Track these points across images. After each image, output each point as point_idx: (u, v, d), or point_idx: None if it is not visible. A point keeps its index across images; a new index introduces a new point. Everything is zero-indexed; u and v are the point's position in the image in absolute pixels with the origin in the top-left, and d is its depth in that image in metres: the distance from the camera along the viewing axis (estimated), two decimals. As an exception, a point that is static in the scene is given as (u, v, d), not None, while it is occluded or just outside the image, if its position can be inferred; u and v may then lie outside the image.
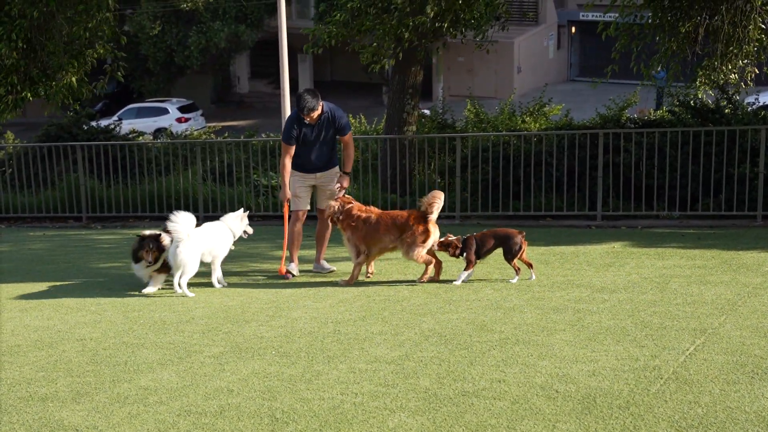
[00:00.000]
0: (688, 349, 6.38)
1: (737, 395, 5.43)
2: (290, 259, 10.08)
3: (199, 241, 9.21)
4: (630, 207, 13.79)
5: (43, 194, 16.66)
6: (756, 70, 13.91)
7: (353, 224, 9.32)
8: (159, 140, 23.38)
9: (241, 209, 9.79)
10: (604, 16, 13.62)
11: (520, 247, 8.99)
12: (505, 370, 6.09)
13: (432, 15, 13.71)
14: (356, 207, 9.43)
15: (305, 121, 9.67)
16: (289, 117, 9.90)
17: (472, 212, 14.33)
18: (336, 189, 9.87)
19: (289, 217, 10.09)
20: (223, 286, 9.51)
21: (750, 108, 14.58)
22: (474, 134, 15.47)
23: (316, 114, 9.62)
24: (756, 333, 6.74)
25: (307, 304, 8.54)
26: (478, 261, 9.17)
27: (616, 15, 13.29)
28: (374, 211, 9.42)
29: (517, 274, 9.05)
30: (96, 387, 6.13)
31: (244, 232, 9.77)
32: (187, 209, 15.19)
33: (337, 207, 9.44)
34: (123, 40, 15.59)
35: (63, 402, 5.86)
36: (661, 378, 5.79)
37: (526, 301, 8.18)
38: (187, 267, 9.11)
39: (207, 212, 14.97)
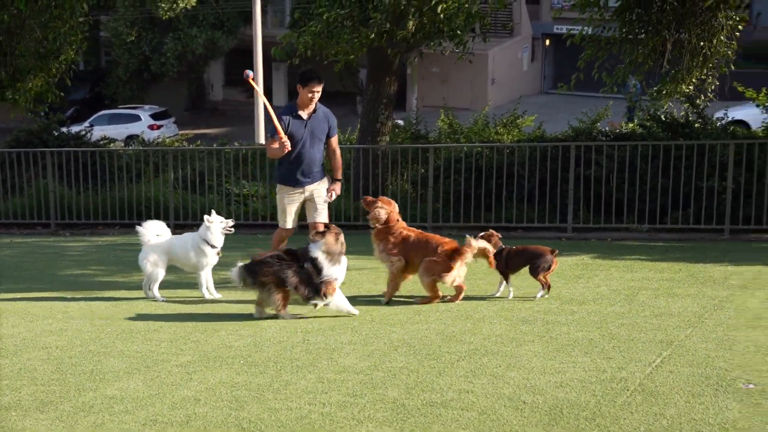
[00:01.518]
0: (654, 361, 6.41)
1: (702, 407, 5.47)
2: None
3: (164, 248, 9.17)
4: (600, 219, 13.87)
5: (11, 200, 16.53)
6: (717, 82, 14.09)
7: (392, 238, 8.78)
8: (130, 147, 23.27)
9: (206, 216, 9.30)
10: (572, 29, 13.79)
11: (550, 265, 8.77)
12: (474, 380, 6.10)
13: (413, 29, 13.73)
14: (401, 225, 8.91)
15: (301, 110, 9.08)
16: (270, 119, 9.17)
17: (444, 223, 14.36)
18: (327, 198, 9.36)
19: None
20: (214, 297, 9.31)
21: (719, 123, 14.71)
22: (447, 145, 15.52)
23: (319, 88, 9.03)
24: (721, 346, 6.79)
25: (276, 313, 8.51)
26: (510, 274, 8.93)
27: (588, 27, 13.46)
28: (414, 232, 8.91)
29: (543, 288, 8.79)
30: (61, 396, 6.08)
31: (224, 229, 9.22)
32: (157, 217, 15.16)
33: (383, 216, 8.83)
34: (84, 45, 15.50)
35: (26, 411, 5.80)
36: (628, 390, 5.81)
37: (496, 312, 8.20)
38: (147, 273, 9.18)
39: (178, 220, 14.92)
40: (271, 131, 9.16)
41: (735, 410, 5.41)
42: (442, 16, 14.01)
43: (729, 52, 13.66)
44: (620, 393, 5.76)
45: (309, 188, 9.32)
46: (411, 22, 13.56)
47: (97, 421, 5.57)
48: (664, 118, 14.73)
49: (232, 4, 40.72)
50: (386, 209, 8.84)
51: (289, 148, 9.03)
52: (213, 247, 9.19)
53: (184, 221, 14.94)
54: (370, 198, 9.06)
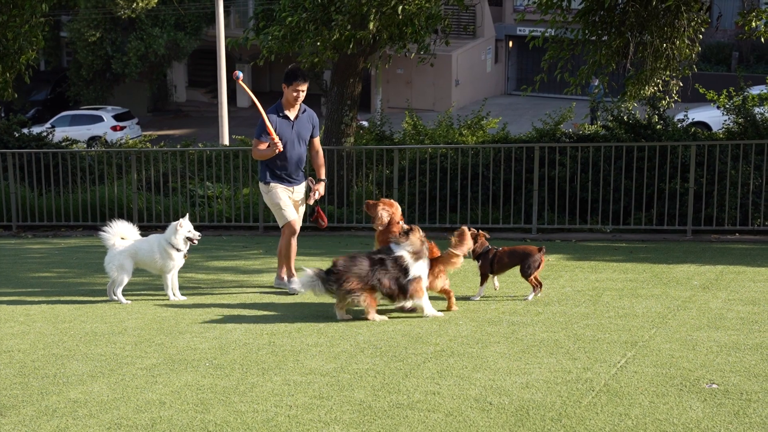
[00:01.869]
0: (619, 362, 6.46)
1: (666, 407, 5.51)
2: (289, 275, 9.49)
3: (129, 253, 9.11)
4: (564, 220, 13.96)
5: (-28, 202, 16.33)
6: (681, 84, 14.25)
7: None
8: (93, 148, 23.08)
9: (180, 220, 9.19)
10: (535, 32, 13.89)
11: (539, 264, 8.75)
12: (440, 382, 6.11)
13: (374, 30, 13.75)
14: (400, 228, 8.72)
15: (287, 110, 9.07)
16: (260, 119, 9.10)
17: (410, 224, 14.33)
18: (310, 198, 9.34)
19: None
20: (178, 299, 9.23)
21: (680, 124, 14.86)
22: (412, 146, 15.54)
23: (304, 87, 9.03)
24: (685, 346, 6.86)
25: (242, 315, 8.47)
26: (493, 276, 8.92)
27: (551, 29, 13.58)
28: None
29: (534, 290, 8.80)
30: (23, 400, 6.01)
31: (188, 239, 9.13)
32: (121, 219, 15.06)
33: (386, 219, 8.77)
34: (41, 44, 15.36)
35: (-11, 415, 5.73)
36: (593, 390, 5.85)
37: (461, 313, 8.22)
38: (113, 275, 9.13)
39: (142, 222, 14.80)
40: (258, 132, 9.11)
41: (699, 410, 5.46)
42: (401, 17, 14.04)
43: (692, 54, 13.82)
44: (585, 393, 5.79)
45: (294, 188, 9.37)
46: (372, 23, 13.58)
47: (61, 425, 5.51)
48: (626, 120, 14.85)
49: (195, 5, 40.54)
50: (389, 211, 8.81)
51: (281, 149, 9.02)
52: (178, 250, 9.13)
53: (148, 223, 14.85)
54: (371, 201, 9.01)
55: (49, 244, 14.26)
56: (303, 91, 9.07)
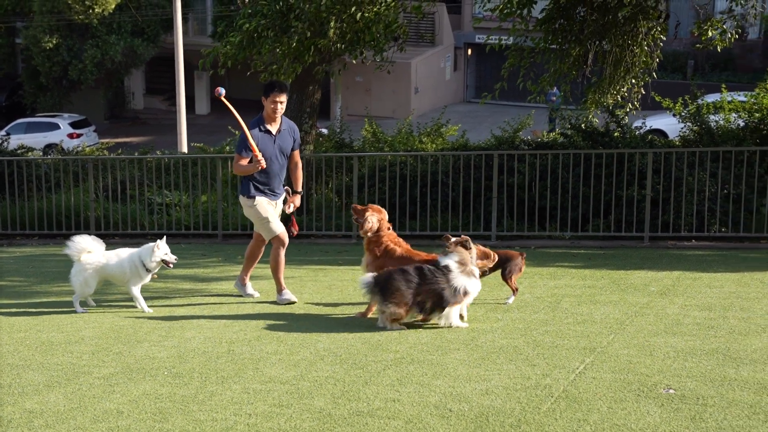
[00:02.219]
0: (578, 368, 6.50)
1: (624, 413, 5.56)
2: (279, 288, 9.37)
3: (96, 268, 9.00)
4: (523, 227, 14.02)
5: (-76, 211, 16.07)
6: (642, 91, 14.40)
7: (378, 251, 8.53)
8: (49, 156, 22.82)
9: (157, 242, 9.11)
10: (491, 38, 13.98)
11: (520, 269, 8.88)
12: (400, 389, 6.11)
13: (334, 38, 13.74)
14: (390, 237, 8.68)
15: (269, 124, 8.98)
16: (242, 132, 8.97)
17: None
18: (286, 208, 9.30)
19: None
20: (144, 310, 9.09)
21: (637, 132, 15.00)
22: (371, 154, 15.54)
23: (282, 97, 8.91)
24: (642, 351, 6.92)
25: (200, 323, 8.42)
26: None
27: (508, 37, 13.67)
28: (402, 246, 8.61)
29: (513, 294, 8.89)
30: (-22, 411, 5.93)
31: (164, 262, 9.02)
32: (78, 228, 14.91)
33: (375, 225, 8.57)
34: None
35: (-57, 427, 5.65)
36: (552, 396, 5.88)
37: (419, 322, 8.22)
38: (77, 289, 9.04)
39: (99, 230, 14.66)
40: (239, 148, 8.98)
41: (656, 415, 5.51)
42: (361, 24, 14.05)
43: (654, 63, 13.97)
44: (545, 400, 5.82)
45: (276, 202, 9.26)
46: (331, 30, 13.58)
47: (16, 437, 5.44)
48: (584, 127, 14.96)
49: (153, 12, 40.29)
50: (377, 217, 8.60)
51: (264, 166, 8.92)
52: (148, 271, 9.02)
53: (106, 231, 14.71)
54: (359, 206, 8.82)
55: (4, 253, 14.07)
56: (282, 102, 8.96)
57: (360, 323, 8.20)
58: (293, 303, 9.19)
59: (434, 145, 17.09)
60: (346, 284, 9.97)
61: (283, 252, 9.29)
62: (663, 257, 11.91)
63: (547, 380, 6.22)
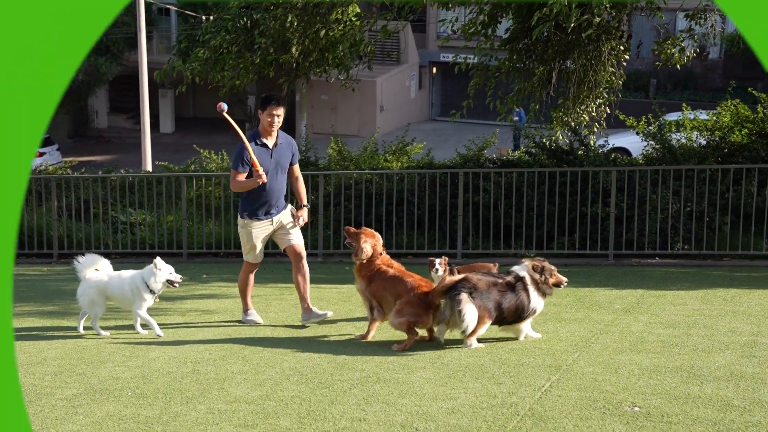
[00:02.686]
0: (543, 386, 6.52)
1: (590, 430, 5.57)
2: (245, 308, 9.31)
3: (99, 288, 8.84)
4: (489, 245, 14.07)
5: None
6: (608, 110, 14.53)
7: (369, 275, 8.34)
8: (12, 174, 22.53)
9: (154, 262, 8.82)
10: (458, 57, 14.05)
11: None
12: (366, 408, 6.09)
13: (297, 54, 13.76)
14: (383, 260, 8.37)
15: (265, 138, 8.85)
16: (239, 146, 8.82)
17: (335, 250, 14.37)
18: (293, 222, 9.09)
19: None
20: (141, 332, 8.90)
21: (601, 150, 15.12)
22: (337, 172, 15.53)
23: (279, 111, 8.77)
24: (607, 369, 6.95)
25: (165, 343, 8.35)
26: None
27: (473, 56, 13.75)
28: (395, 267, 8.36)
29: None
30: (-62, 434, 5.83)
31: (169, 281, 8.76)
32: (41, 247, 14.74)
33: (369, 252, 8.31)
34: None
35: None
36: (518, 414, 5.89)
37: (388, 338, 8.21)
38: (85, 309, 8.88)
39: (62, 249, 14.53)
40: (236, 162, 8.84)
41: (622, 432, 5.53)
42: (325, 41, 14.08)
43: (618, 82, 14.12)
44: (511, 418, 5.83)
45: (276, 218, 9.06)
46: (295, 48, 13.59)
47: (-23, 460, 5.36)
48: (549, 146, 15.05)
49: (118, 29, 40.11)
50: (371, 243, 8.38)
51: (265, 180, 8.76)
52: (153, 292, 8.85)
53: (69, 250, 14.57)
54: (352, 229, 8.58)
55: (-35, 273, 13.88)
56: (279, 115, 8.82)
57: (325, 342, 8.18)
58: (258, 324, 9.13)
59: (399, 164, 17.12)
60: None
61: (252, 275, 9.25)
62: (627, 275, 11.99)
63: (513, 398, 6.23)
